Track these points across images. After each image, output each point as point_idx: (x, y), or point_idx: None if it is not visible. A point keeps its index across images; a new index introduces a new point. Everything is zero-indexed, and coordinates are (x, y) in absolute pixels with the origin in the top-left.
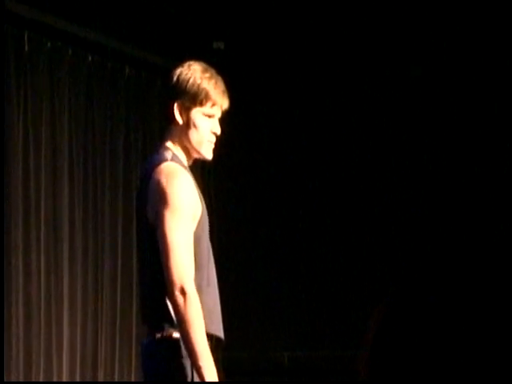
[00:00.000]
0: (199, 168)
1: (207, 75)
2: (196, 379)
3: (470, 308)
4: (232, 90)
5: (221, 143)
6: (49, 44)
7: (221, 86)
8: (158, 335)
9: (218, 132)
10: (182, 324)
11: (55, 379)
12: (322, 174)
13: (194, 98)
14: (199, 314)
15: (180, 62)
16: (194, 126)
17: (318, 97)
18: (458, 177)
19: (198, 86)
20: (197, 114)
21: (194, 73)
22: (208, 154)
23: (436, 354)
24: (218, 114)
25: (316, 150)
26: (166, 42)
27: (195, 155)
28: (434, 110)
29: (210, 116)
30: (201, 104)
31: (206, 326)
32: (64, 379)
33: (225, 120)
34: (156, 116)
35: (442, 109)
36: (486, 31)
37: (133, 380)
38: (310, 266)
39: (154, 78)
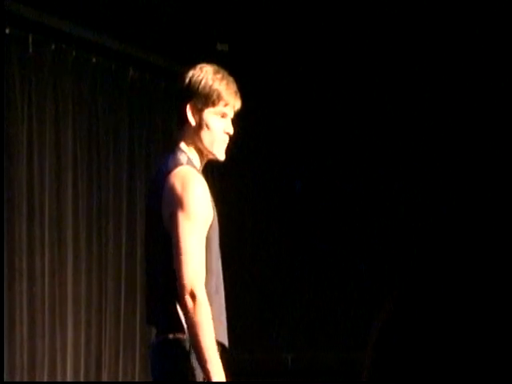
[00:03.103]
0: (203, 170)
1: (219, 76)
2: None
3: (477, 309)
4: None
5: (229, 149)
6: (53, 46)
7: (233, 86)
8: (169, 336)
9: (231, 132)
10: (191, 328)
11: (59, 380)
12: (325, 175)
13: (206, 99)
14: (209, 318)
15: (184, 63)
16: (207, 126)
17: (323, 98)
18: (463, 175)
19: (210, 87)
20: (209, 114)
21: (205, 74)
22: (221, 154)
23: (441, 355)
24: (231, 114)
25: (320, 150)
26: (170, 44)
27: (208, 156)
28: (434, 110)
29: (222, 116)
30: (213, 104)
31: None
32: (68, 379)
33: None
34: (160, 117)
35: (443, 109)
36: (486, 31)
37: (137, 380)
38: (313, 268)
39: (158, 79)
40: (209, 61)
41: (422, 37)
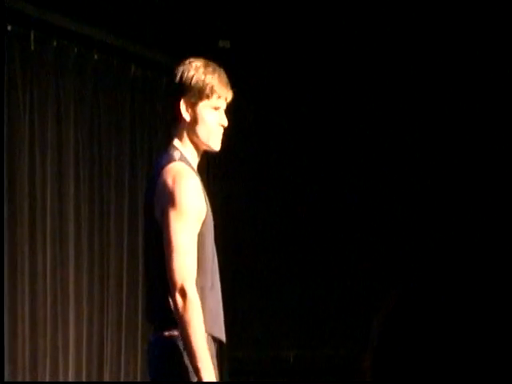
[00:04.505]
0: (202, 166)
1: (210, 69)
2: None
3: (476, 311)
4: (237, 89)
5: (225, 141)
6: (55, 43)
7: (224, 78)
8: (165, 333)
9: (226, 124)
10: (181, 325)
11: (61, 379)
12: (326, 174)
13: (199, 93)
14: (199, 315)
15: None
16: (202, 120)
17: (323, 95)
18: (465, 176)
19: (203, 81)
20: (203, 108)
21: (196, 69)
22: (216, 145)
23: (440, 356)
24: (224, 106)
25: (320, 147)
26: (172, 40)
27: (204, 148)
28: (435, 111)
29: (216, 108)
30: (207, 98)
31: (209, 329)
32: (70, 379)
33: (229, 118)
34: (161, 114)
35: (443, 110)
36: (486, 31)
37: (138, 379)
38: (315, 266)
39: (160, 76)
40: (210, 58)
41: (419, 33)
